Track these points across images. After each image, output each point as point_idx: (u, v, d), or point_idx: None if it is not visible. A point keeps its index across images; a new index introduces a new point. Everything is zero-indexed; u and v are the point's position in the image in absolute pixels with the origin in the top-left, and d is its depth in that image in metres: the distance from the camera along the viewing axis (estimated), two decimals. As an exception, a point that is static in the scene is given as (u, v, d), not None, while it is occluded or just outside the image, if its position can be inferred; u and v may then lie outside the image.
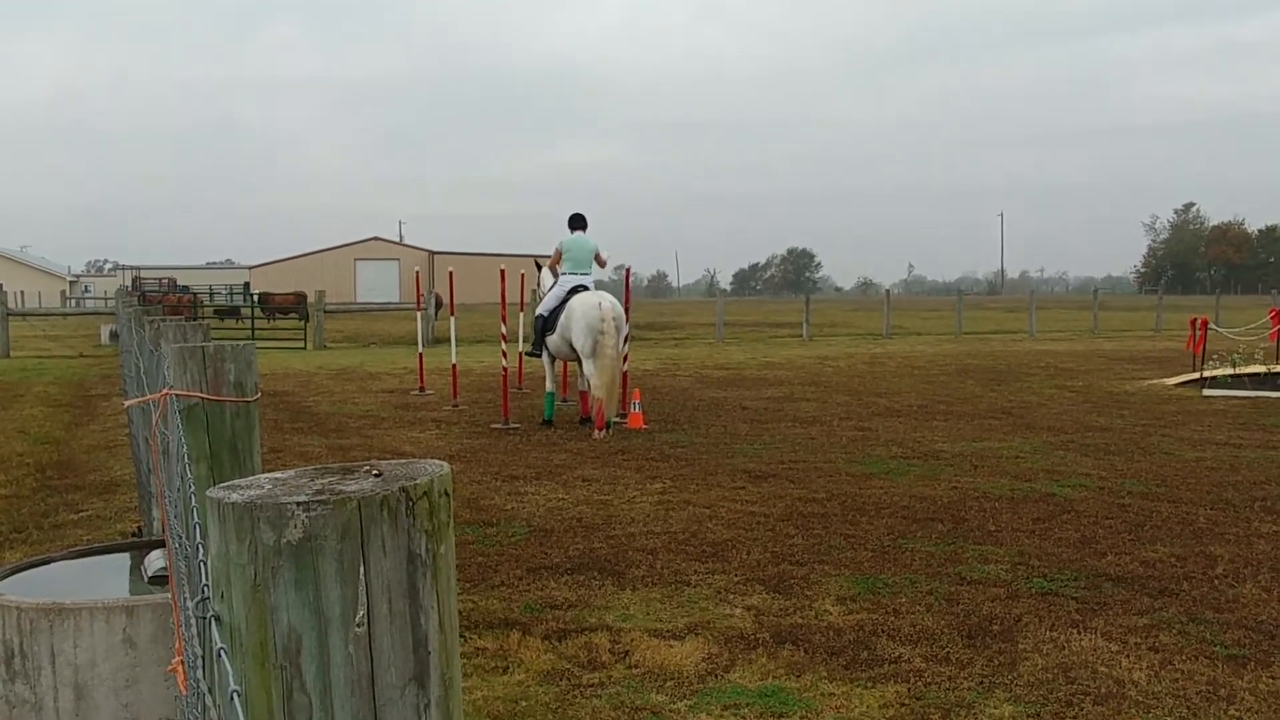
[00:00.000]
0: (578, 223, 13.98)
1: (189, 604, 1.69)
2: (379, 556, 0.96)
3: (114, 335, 29.94)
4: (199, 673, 1.27)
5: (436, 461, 1.06)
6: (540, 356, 13.81)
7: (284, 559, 0.94)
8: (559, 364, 14.19)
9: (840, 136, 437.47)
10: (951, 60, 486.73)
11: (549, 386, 13.78)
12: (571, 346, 13.02)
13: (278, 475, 1.05)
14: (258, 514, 0.94)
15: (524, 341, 16.63)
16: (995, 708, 4.62)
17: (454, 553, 1.04)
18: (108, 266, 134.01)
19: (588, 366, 12.83)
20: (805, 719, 4.53)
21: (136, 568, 5.78)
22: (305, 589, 0.94)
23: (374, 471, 1.03)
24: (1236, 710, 4.58)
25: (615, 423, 12.96)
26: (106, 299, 68.55)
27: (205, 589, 1.10)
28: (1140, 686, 4.83)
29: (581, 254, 13.74)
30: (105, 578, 5.75)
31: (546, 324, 13.41)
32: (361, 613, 0.96)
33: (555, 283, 13.83)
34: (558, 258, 13.87)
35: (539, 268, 15.02)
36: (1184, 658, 5.18)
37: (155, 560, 5.55)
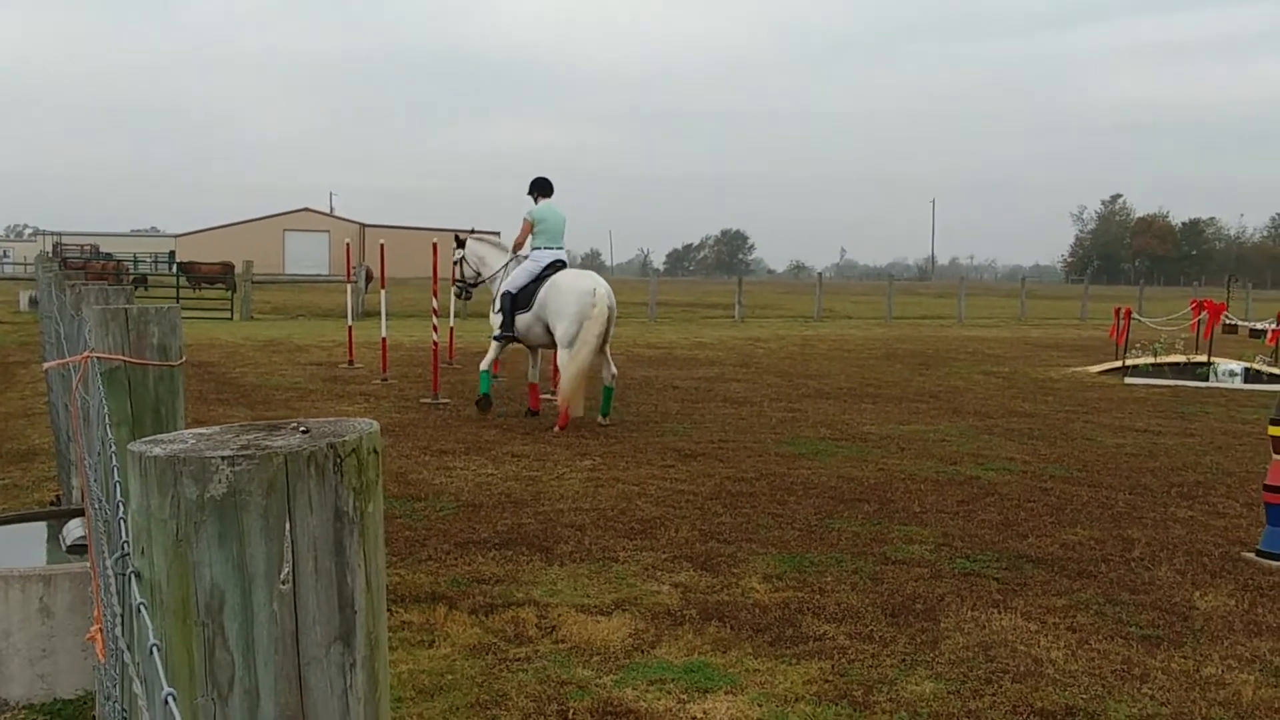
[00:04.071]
0: (546, 189, 12.15)
1: (108, 566, 1.66)
2: (305, 513, 0.94)
3: (33, 301, 29.28)
4: (118, 630, 1.24)
5: (365, 420, 1.05)
6: (511, 340, 12.00)
7: (207, 514, 0.92)
8: (509, 348, 12.43)
9: (776, 123, 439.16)
10: (888, 52, 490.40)
11: (484, 365, 12.23)
12: (547, 329, 11.45)
13: (202, 431, 1.03)
14: (180, 468, 0.92)
15: (458, 314, 15.94)
16: (916, 685, 4.68)
17: (382, 512, 1.02)
18: (28, 231, 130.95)
19: (561, 356, 11.30)
20: (730, 694, 4.56)
21: (54, 537, 5.67)
22: (229, 545, 0.92)
23: (301, 428, 1.02)
24: (1150, 689, 4.68)
25: (546, 399, 12.85)
26: (26, 265, 67.01)
27: (125, 545, 1.08)
28: (1058, 665, 4.93)
29: (556, 225, 11.99)
30: (22, 546, 5.63)
31: (516, 302, 11.66)
32: (286, 570, 0.94)
33: (512, 258, 12.20)
34: (528, 230, 12.04)
35: (459, 243, 12.92)
36: (1100, 638, 5.29)
37: (74, 529, 5.45)
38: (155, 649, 0.90)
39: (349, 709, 0.98)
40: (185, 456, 0.92)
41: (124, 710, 1.41)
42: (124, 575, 1.06)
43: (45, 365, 8.13)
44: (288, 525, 0.94)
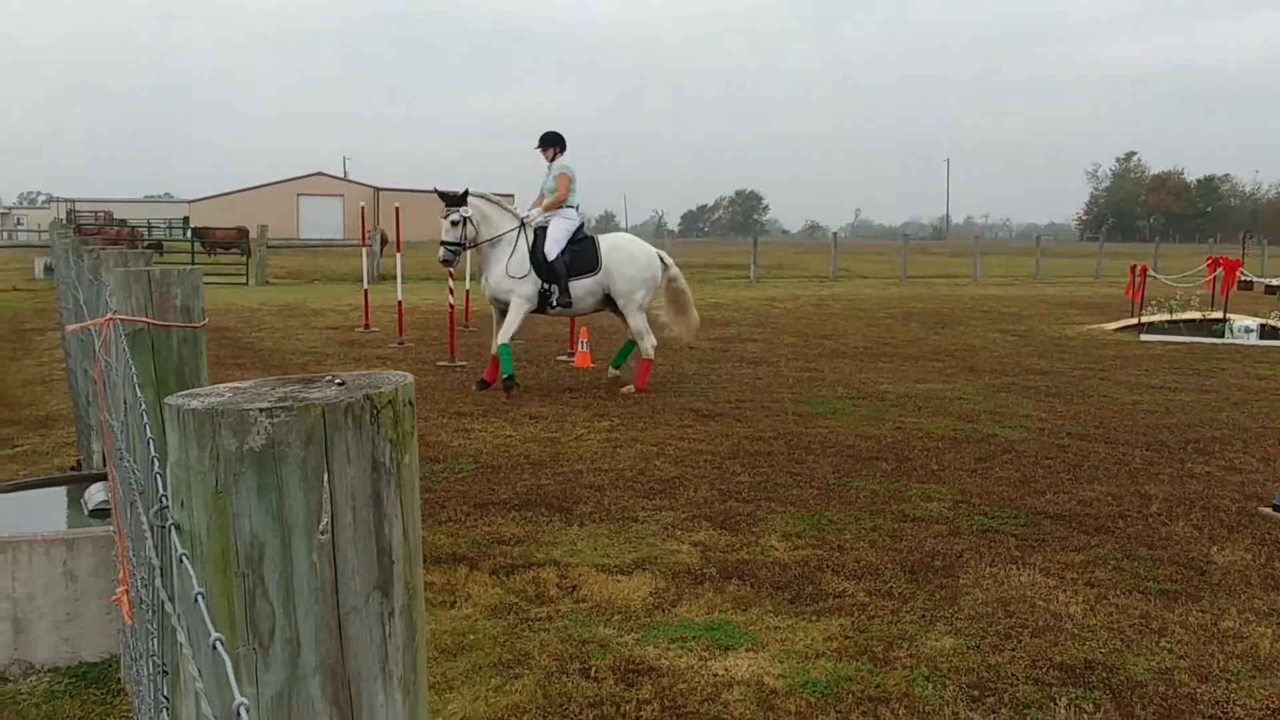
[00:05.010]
0: (563, 144, 11.49)
1: (145, 520, 1.67)
2: (343, 464, 0.95)
3: (49, 269, 29.36)
4: (158, 582, 1.25)
5: (400, 372, 1.05)
6: (569, 308, 11.20)
7: (246, 465, 0.92)
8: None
9: (788, 83, 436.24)
10: (899, 8, 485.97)
11: (504, 337, 10.98)
12: (607, 297, 11.18)
13: (238, 385, 1.03)
14: (219, 420, 0.92)
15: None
16: (936, 640, 4.70)
17: (418, 462, 1.03)
18: (41, 199, 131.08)
19: (638, 321, 11.12)
20: (751, 652, 4.59)
21: (76, 502, 5.71)
22: (268, 496, 0.93)
23: (337, 380, 1.02)
24: (1167, 642, 4.70)
25: (562, 360, 12.86)
26: (40, 232, 67.14)
27: (164, 498, 1.09)
28: (1076, 620, 4.94)
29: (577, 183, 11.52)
30: (44, 511, 5.67)
31: (572, 268, 11.00)
32: (325, 520, 0.95)
33: (522, 223, 11.13)
34: (565, 189, 11.20)
35: (460, 199, 11.18)
36: (1118, 592, 5.30)
37: (96, 494, 5.48)
38: (200, 597, 0.91)
39: (388, 657, 0.99)
40: (224, 409, 0.93)
41: (163, 664, 1.42)
42: (163, 527, 1.07)
43: (68, 328, 8.15)
44: (326, 476, 0.94)
